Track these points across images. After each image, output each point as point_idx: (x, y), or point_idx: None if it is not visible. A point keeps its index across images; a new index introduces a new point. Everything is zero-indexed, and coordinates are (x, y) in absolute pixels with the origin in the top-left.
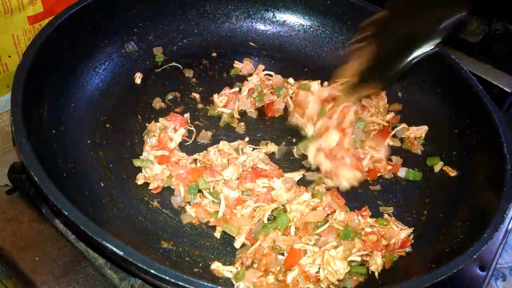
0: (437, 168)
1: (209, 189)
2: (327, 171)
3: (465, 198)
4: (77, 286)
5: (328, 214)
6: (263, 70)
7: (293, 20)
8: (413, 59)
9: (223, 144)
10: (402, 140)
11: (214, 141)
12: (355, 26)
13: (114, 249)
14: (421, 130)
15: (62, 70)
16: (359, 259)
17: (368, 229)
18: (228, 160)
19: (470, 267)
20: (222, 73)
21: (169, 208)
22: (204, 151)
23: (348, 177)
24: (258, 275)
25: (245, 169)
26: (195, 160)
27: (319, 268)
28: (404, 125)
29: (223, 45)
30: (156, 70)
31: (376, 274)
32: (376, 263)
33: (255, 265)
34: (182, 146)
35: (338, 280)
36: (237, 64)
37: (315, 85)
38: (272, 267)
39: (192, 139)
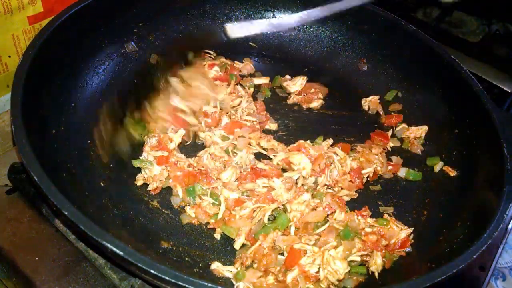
0: (437, 168)
1: (206, 194)
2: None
3: (465, 198)
4: (77, 286)
5: (328, 214)
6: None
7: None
8: None
9: (214, 148)
10: (402, 140)
11: None
12: (355, 26)
13: (114, 249)
14: (421, 130)
15: (62, 70)
16: (359, 259)
17: (368, 229)
18: (224, 162)
19: (470, 267)
20: None
21: (169, 208)
22: (196, 157)
23: (346, 194)
24: (258, 275)
25: (244, 170)
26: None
27: (319, 268)
28: (404, 125)
29: (223, 45)
30: None
31: (376, 274)
32: (376, 263)
33: (255, 265)
34: (181, 146)
35: (338, 280)
36: (237, 64)
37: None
38: (272, 267)
39: (191, 140)
